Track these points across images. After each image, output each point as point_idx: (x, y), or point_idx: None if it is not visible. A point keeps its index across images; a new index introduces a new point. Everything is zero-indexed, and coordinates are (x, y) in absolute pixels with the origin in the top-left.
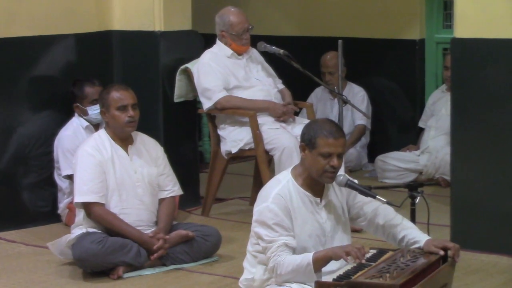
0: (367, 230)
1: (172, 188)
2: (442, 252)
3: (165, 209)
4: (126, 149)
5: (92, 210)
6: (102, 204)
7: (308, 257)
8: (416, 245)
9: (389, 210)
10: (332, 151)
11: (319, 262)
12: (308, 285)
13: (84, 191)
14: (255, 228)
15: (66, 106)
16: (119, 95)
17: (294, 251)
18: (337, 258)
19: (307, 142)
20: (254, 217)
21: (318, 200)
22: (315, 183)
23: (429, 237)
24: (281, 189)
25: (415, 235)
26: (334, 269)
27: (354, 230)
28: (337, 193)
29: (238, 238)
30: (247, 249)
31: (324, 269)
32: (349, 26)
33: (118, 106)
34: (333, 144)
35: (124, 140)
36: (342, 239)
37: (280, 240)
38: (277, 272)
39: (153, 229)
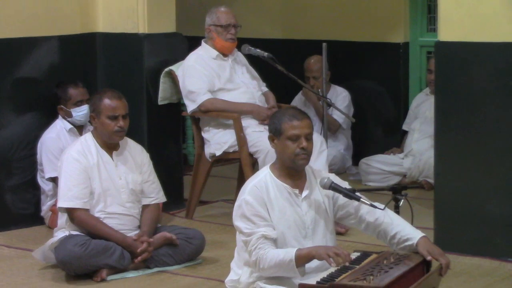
0: (358, 227)
1: (156, 196)
2: (429, 258)
3: (149, 214)
4: (111, 155)
5: (76, 215)
6: (86, 210)
7: (291, 253)
8: (409, 243)
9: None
10: (298, 133)
11: (302, 260)
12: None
13: (68, 197)
14: (235, 222)
15: (49, 108)
16: (112, 104)
17: (274, 242)
18: (320, 258)
19: (274, 131)
20: (233, 212)
21: (296, 191)
22: (292, 174)
23: (423, 234)
24: (257, 182)
25: (408, 232)
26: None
27: (338, 233)
28: (320, 189)
29: (222, 240)
30: (236, 249)
31: (308, 265)
32: (333, 29)
33: (110, 115)
34: (298, 125)
35: (110, 146)
36: (325, 235)
37: (259, 232)
38: (260, 266)
39: (136, 232)
